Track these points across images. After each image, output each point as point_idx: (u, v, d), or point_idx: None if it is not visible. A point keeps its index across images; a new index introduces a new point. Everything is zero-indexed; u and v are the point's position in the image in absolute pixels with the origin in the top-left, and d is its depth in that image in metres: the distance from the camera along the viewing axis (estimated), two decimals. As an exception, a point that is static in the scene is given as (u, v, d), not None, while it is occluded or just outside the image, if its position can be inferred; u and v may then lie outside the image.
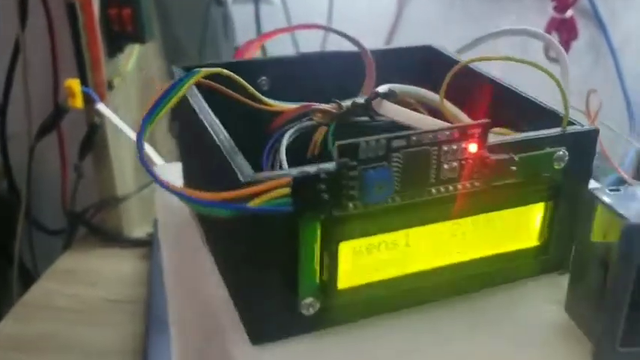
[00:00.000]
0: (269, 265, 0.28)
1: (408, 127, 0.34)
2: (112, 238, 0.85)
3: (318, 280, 0.28)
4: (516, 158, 0.28)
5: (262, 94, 0.34)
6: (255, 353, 0.29)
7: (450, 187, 0.28)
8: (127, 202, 0.84)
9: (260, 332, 0.29)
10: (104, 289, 0.76)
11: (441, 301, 0.31)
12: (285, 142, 0.33)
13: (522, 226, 0.31)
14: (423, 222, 0.28)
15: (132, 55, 0.80)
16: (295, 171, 0.25)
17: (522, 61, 0.31)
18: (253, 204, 0.25)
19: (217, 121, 0.31)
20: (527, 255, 0.32)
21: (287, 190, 0.25)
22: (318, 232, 0.27)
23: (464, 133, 0.27)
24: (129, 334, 0.69)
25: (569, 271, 0.33)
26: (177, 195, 0.26)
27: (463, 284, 0.31)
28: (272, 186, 0.25)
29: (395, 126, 0.34)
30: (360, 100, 0.35)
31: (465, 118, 0.36)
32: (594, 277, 0.28)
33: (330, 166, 0.26)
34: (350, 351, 0.29)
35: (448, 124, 0.27)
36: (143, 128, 0.27)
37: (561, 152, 0.30)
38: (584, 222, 0.29)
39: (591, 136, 0.31)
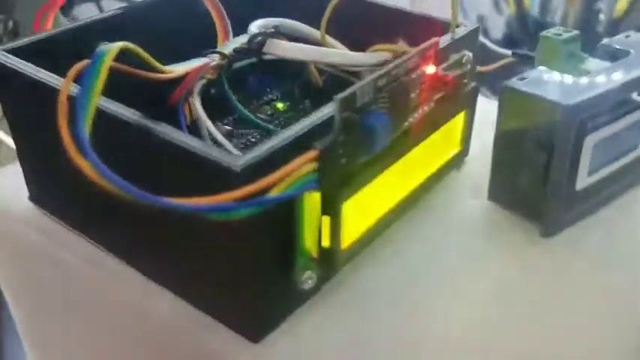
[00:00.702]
0: (258, 253, 0.24)
1: (297, 63, 0.32)
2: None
3: (316, 250, 0.26)
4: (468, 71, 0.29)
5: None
6: (265, 351, 0.26)
7: (416, 115, 0.27)
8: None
9: (259, 327, 0.26)
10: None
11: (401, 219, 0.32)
12: (199, 108, 0.28)
13: (451, 136, 0.32)
14: (401, 154, 0.27)
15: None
16: (319, 143, 0.22)
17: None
18: (278, 191, 0.21)
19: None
20: (452, 160, 0.33)
21: (313, 166, 0.21)
22: (319, 201, 0.24)
23: (423, 57, 0.26)
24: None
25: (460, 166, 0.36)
26: (182, 208, 0.20)
27: (412, 199, 0.31)
28: (298, 165, 0.21)
29: (280, 62, 0.32)
30: (243, 44, 0.31)
31: (344, 48, 0.34)
32: (534, 160, 0.31)
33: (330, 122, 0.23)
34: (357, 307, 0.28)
35: (409, 51, 0.26)
36: (83, 136, 0.20)
37: (468, 55, 0.31)
38: (504, 115, 0.31)
39: (476, 34, 0.33)
